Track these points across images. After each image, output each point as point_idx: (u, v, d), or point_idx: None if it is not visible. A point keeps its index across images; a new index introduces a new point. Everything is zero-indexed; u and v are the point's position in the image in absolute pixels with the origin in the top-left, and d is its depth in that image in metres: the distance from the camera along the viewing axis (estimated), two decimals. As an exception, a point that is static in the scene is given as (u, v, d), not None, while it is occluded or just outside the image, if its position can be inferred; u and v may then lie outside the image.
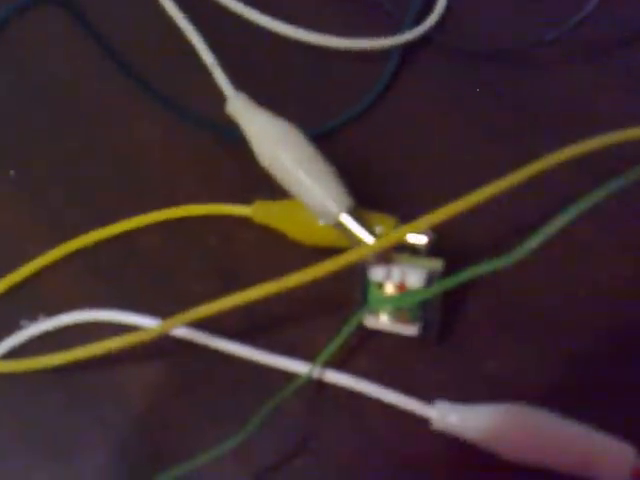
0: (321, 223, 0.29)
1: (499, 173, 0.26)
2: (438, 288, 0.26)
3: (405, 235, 0.27)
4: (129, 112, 0.35)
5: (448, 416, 0.26)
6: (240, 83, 0.32)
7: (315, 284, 0.27)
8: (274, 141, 0.29)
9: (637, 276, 0.30)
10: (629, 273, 0.30)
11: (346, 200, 0.28)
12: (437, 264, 0.27)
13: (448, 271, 0.27)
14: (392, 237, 0.27)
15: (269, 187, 0.30)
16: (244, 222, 0.31)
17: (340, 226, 0.28)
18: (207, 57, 0.32)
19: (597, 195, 0.22)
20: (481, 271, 0.24)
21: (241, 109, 0.30)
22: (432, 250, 0.28)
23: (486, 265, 0.24)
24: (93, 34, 0.32)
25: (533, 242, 0.23)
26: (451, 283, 0.25)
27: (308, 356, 0.28)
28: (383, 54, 0.35)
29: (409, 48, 0.36)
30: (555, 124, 0.33)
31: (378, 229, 0.28)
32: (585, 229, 0.30)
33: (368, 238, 0.27)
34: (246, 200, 0.31)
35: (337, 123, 0.34)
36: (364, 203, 0.29)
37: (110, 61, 0.33)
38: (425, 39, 0.36)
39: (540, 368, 0.28)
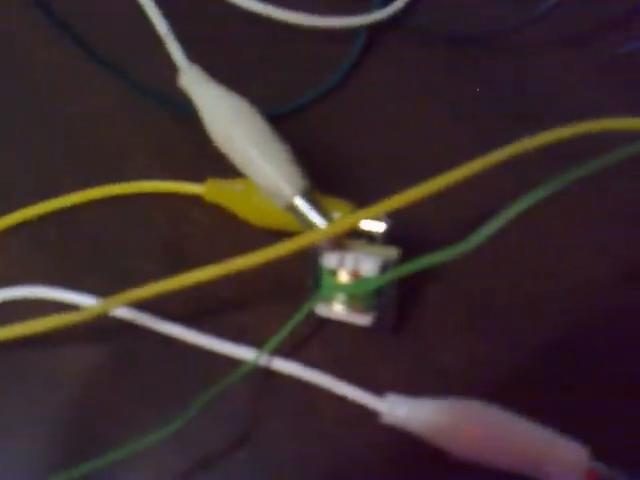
0: (275, 205, 0.28)
1: (466, 159, 0.25)
2: (390, 276, 0.25)
3: (359, 220, 0.26)
4: (78, 82, 0.34)
5: (397, 409, 0.25)
6: (197, 56, 0.30)
7: (268, 268, 0.26)
8: (226, 117, 0.27)
9: (597, 268, 0.29)
10: (589, 265, 0.29)
11: (300, 182, 0.26)
12: (393, 252, 0.26)
13: (406, 260, 0.26)
14: (345, 222, 0.26)
15: (223, 165, 0.28)
16: (195, 201, 0.30)
17: (293, 209, 0.26)
18: (161, 26, 0.30)
19: (554, 184, 0.21)
20: (435, 260, 0.23)
21: (193, 82, 0.29)
22: (390, 238, 0.27)
23: (440, 254, 0.23)
24: (41, 2, 0.31)
25: (487, 230, 0.22)
26: (404, 271, 0.24)
27: (257, 343, 0.27)
28: (350, 34, 0.34)
29: (377, 29, 0.35)
30: (527, 110, 0.33)
31: (335, 215, 0.27)
32: (547, 218, 0.30)
33: (321, 223, 0.26)
34: (199, 178, 0.30)
35: (299, 104, 0.33)
36: (324, 188, 0.28)
37: (59, 29, 0.31)
38: (395, 20, 0.35)
39: (496, 362, 0.27)
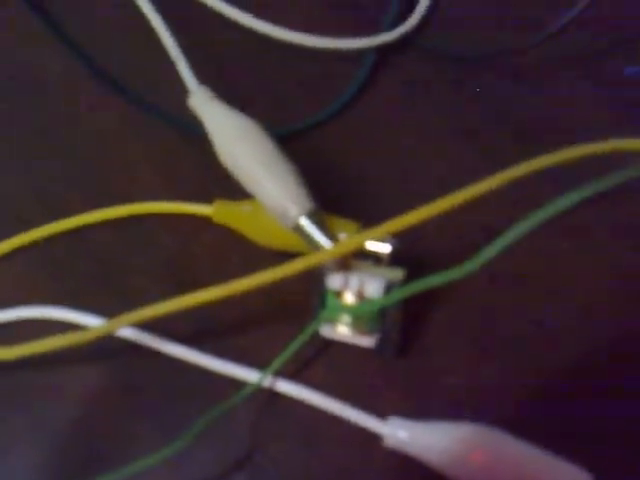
0: (282, 226, 0.28)
1: (473, 179, 0.25)
2: (394, 297, 0.24)
3: (364, 241, 0.26)
4: (87, 101, 0.34)
5: (399, 433, 0.25)
6: (206, 78, 0.31)
7: (273, 289, 0.26)
8: (234, 138, 0.28)
9: (603, 287, 0.29)
10: (601, 288, 0.29)
11: (306, 203, 0.26)
12: (398, 274, 0.26)
13: (410, 280, 0.26)
14: (351, 243, 0.25)
15: (231, 186, 0.28)
16: (203, 222, 0.30)
17: (299, 229, 0.26)
18: (172, 48, 0.30)
19: (557, 205, 0.21)
20: (439, 281, 0.23)
21: (203, 103, 0.29)
22: (395, 257, 0.27)
23: (444, 275, 0.23)
24: (51, 23, 0.31)
25: (491, 251, 0.22)
26: (407, 292, 0.24)
27: (260, 364, 0.27)
28: (359, 55, 0.34)
29: (386, 50, 0.35)
30: (533, 132, 0.32)
31: (341, 235, 0.27)
32: (553, 237, 0.29)
33: (327, 243, 0.26)
34: (207, 199, 0.30)
35: (307, 124, 0.33)
36: (331, 208, 0.28)
37: (68, 48, 0.32)
38: (404, 41, 0.35)
39: (501, 386, 0.27)
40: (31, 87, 0.35)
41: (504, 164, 0.25)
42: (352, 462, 0.26)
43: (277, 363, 0.26)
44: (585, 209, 0.29)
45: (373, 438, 0.25)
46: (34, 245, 0.30)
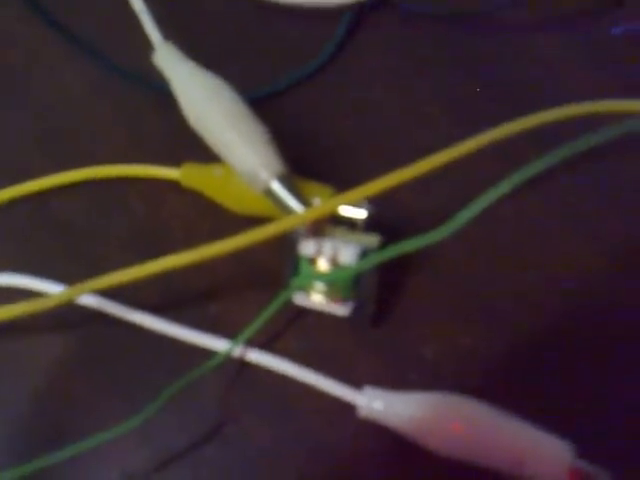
0: (253, 191, 0.26)
1: (451, 142, 0.24)
2: (368, 262, 0.24)
3: (338, 206, 0.25)
4: (49, 60, 0.32)
5: (375, 403, 0.24)
6: (175, 35, 0.29)
7: (244, 256, 0.25)
8: (201, 97, 0.26)
9: (586, 256, 0.28)
10: (577, 253, 0.28)
11: (277, 166, 0.25)
12: (373, 240, 0.25)
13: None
14: (324, 208, 0.24)
15: (202, 148, 0.27)
16: (172, 186, 0.29)
17: (270, 194, 0.25)
18: (136, 3, 0.29)
19: (529, 170, 0.20)
20: (414, 245, 0.22)
21: (168, 60, 0.28)
22: (372, 225, 0.26)
23: (419, 239, 0.22)
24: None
25: (463, 216, 0.21)
26: (382, 257, 0.23)
27: (232, 333, 0.26)
28: (335, 13, 0.33)
29: (364, 8, 0.33)
30: (512, 92, 0.31)
31: (315, 200, 0.26)
32: (535, 205, 0.29)
33: (299, 208, 0.25)
34: (175, 162, 0.29)
35: (282, 86, 0.32)
36: (305, 172, 0.27)
37: (33, 10, 0.30)
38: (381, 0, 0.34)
39: (480, 354, 0.26)
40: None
41: (486, 125, 0.25)
42: (325, 433, 0.25)
43: (248, 332, 0.25)
44: (569, 177, 0.28)
45: (347, 408, 0.25)
46: (-5, 209, 0.29)
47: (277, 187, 0.25)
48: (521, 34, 0.33)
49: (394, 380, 0.25)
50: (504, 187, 0.21)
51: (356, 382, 0.25)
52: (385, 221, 0.26)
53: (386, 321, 0.27)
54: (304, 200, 0.25)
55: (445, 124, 0.31)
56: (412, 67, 0.32)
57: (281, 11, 0.33)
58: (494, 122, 0.25)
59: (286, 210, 0.25)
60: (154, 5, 0.30)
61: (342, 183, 0.27)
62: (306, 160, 0.27)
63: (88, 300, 0.26)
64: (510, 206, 0.28)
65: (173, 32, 0.30)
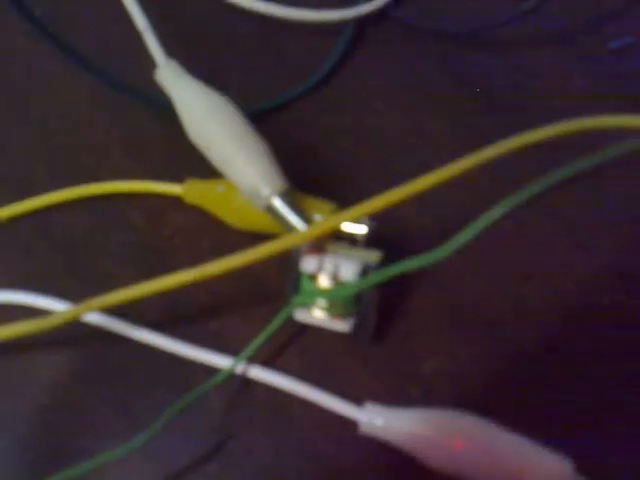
0: (254, 207, 0.27)
1: (452, 156, 0.24)
2: (370, 281, 0.24)
3: (339, 223, 0.25)
4: (51, 76, 0.33)
5: (376, 419, 0.24)
6: (176, 52, 0.29)
7: (245, 272, 0.25)
8: (203, 115, 0.26)
9: (588, 274, 0.28)
10: (580, 270, 0.28)
11: (279, 182, 0.25)
12: (373, 256, 0.25)
13: (387, 263, 0.25)
14: (326, 225, 0.24)
15: (204, 164, 0.27)
16: (174, 202, 0.29)
17: (271, 210, 0.25)
18: (139, 20, 0.29)
19: (534, 187, 0.20)
20: (415, 264, 0.22)
21: (170, 78, 0.28)
22: (372, 239, 0.26)
23: (419, 258, 0.22)
24: (16, 3, 0.30)
25: (467, 234, 0.21)
26: (383, 276, 0.23)
27: (233, 350, 0.26)
28: (336, 28, 0.33)
29: (364, 23, 0.34)
30: (512, 108, 0.31)
31: (316, 216, 0.26)
32: (535, 222, 0.29)
33: (301, 225, 0.25)
34: (178, 177, 0.29)
35: (282, 100, 0.32)
36: (305, 187, 0.27)
37: (35, 27, 0.30)
38: (382, 14, 0.34)
39: (479, 369, 0.26)
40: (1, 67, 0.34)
41: (486, 141, 0.25)
42: (327, 449, 0.25)
43: (250, 349, 0.25)
44: (565, 191, 0.28)
45: (348, 424, 0.25)
46: (-3, 225, 0.30)
47: (279, 204, 0.25)
48: (521, 49, 0.33)
49: (394, 396, 0.26)
50: (505, 205, 0.21)
51: (357, 398, 0.25)
52: (385, 236, 0.26)
53: (386, 337, 0.27)
54: (305, 217, 0.25)
55: (445, 139, 0.31)
56: (412, 82, 0.32)
57: (282, 26, 0.33)
58: (494, 137, 0.25)
59: (288, 227, 0.25)
60: (156, 21, 0.30)
61: (341, 198, 0.27)
62: (305, 175, 0.27)
63: (91, 317, 0.27)
64: (510, 220, 0.28)
65: (174, 47, 0.30)
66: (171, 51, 0.29)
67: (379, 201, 0.24)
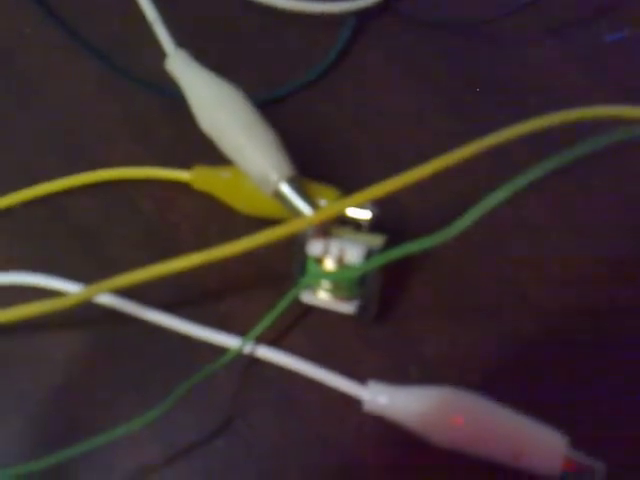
0: (262, 193, 0.27)
1: (453, 145, 0.25)
2: (374, 263, 0.24)
3: (344, 208, 0.25)
4: (63, 64, 0.33)
5: (379, 397, 0.25)
6: (185, 41, 0.30)
7: (253, 255, 0.26)
8: (213, 103, 0.27)
9: (583, 258, 0.29)
10: (576, 255, 0.29)
11: (286, 169, 0.26)
12: (378, 240, 0.26)
13: (391, 247, 0.26)
14: (332, 210, 0.25)
15: (212, 151, 0.28)
16: (182, 188, 0.30)
17: (279, 196, 0.26)
18: (149, 11, 0.30)
19: (533, 173, 0.21)
20: (418, 247, 0.23)
21: (180, 67, 0.29)
22: (376, 225, 0.27)
23: (423, 241, 0.23)
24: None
25: (469, 217, 0.22)
26: (387, 258, 0.24)
27: (241, 330, 0.27)
28: (339, 20, 0.34)
29: (366, 15, 0.34)
30: (511, 98, 0.32)
31: (321, 202, 0.27)
32: (535, 209, 0.29)
33: (307, 210, 0.26)
34: (186, 164, 0.30)
35: (288, 90, 0.33)
36: (311, 174, 0.28)
37: (44, 13, 0.31)
38: (383, 6, 0.34)
39: (480, 350, 0.27)
40: (5, 51, 0.34)
41: (486, 130, 0.25)
42: (332, 428, 0.26)
43: (258, 329, 0.26)
44: (565, 178, 0.29)
45: (353, 403, 0.25)
46: (9, 211, 0.30)
47: (286, 189, 0.26)
48: (520, 42, 0.34)
49: (396, 375, 0.26)
50: (505, 191, 0.22)
51: (360, 377, 0.26)
52: (388, 222, 0.27)
53: (389, 319, 0.28)
54: (311, 202, 0.26)
55: (445, 128, 0.32)
56: (414, 73, 0.33)
57: (285, 18, 0.34)
58: (494, 127, 0.25)
59: (295, 212, 0.26)
60: (165, 12, 0.31)
61: (344, 186, 0.28)
62: (309, 164, 0.27)
63: (103, 299, 0.27)
64: (510, 209, 0.29)
65: (182, 38, 0.30)
66: (179, 40, 0.30)
67: (383, 187, 0.25)
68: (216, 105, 0.27)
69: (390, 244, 0.26)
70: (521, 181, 0.22)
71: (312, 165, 0.28)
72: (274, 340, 0.27)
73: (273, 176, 0.26)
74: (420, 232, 0.28)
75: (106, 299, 0.27)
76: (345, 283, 0.26)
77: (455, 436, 0.24)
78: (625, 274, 0.29)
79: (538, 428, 0.24)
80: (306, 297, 0.27)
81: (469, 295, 0.28)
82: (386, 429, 0.25)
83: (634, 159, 0.30)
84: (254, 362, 0.27)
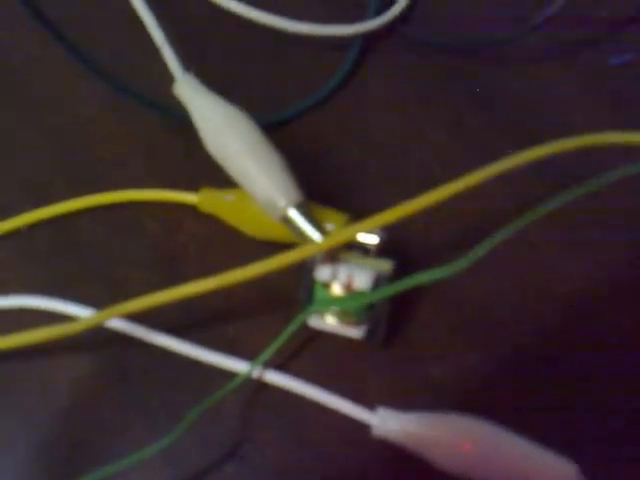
0: (269, 217, 0.27)
1: (460, 170, 0.25)
2: (384, 292, 0.25)
3: (354, 234, 0.26)
4: (69, 86, 0.33)
5: (388, 423, 0.25)
6: (193, 65, 0.30)
7: (261, 280, 0.26)
8: (220, 127, 0.27)
9: (588, 280, 0.29)
10: (581, 277, 0.29)
11: (294, 194, 0.26)
12: (386, 266, 0.26)
13: (399, 272, 0.26)
14: (340, 236, 0.25)
15: (218, 174, 0.28)
16: (189, 210, 0.30)
17: (287, 221, 0.26)
18: (157, 35, 0.30)
19: (546, 208, 0.22)
20: (425, 279, 0.23)
21: (188, 91, 0.29)
22: (383, 248, 0.27)
23: (435, 272, 0.23)
24: (32, 7, 0.30)
25: (483, 249, 0.22)
26: (398, 288, 0.24)
27: (249, 355, 0.27)
28: (345, 42, 0.34)
29: (372, 37, 0.35)
30: (520, 123, 0.32)
31: (329, 226, 0.27)
32: (536, 232, 0.29)
33: (315, 236, 0.26)
34: (193, 187, 0.30)
35: (294, 112, 0.33)
36: (318, 197, 0.28)
37: (52, 36, 0.31)
38: (390, 29, 0.35)
39: (487, 374, 0.27)
40: (14, 73, 0.34)
41: (489, 154, 0.26)
42: (341, 452, 0.26)
43: (267, 354, 0.26)
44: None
45: (361, 428, 0.26)
46: (15, 233, 0.30)
47: (294, 215, 0.26)
48: (523, 65, 0.34)
49: (404, 399, 0.27)
50: (518, 224, 0.22)
51: (369, 401, 0.26)
52: (394, 243, 0.27)
53: (396, 342, 0.28)
54: (320, 227, 0.26)
55: (450, 150, 0.32)
56: (420, 96, 0.33)
57: (293, 41, 0.34)
58: (497, 148, 0.26)
59: (303, 237, 0.26)
60: (172, 34, 0.31)
61: (351, 208, 0.28)
62: (316, 185, 0.27)
63: (111, 322, 0.27)
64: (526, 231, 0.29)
65: (189, 59, 0.30)
66: (186, 64, 0.30)
67: (393, 213, 0.25)
68: (223, 129, 0.27)
69: (397, 268, 0.26)
70: (534, 214, 0.22)
71: (320, 188, 0.28)
72: (282, 364, 0.27)
73: (281, 202, 0.26)
74: (426, 256, 0.28)
75: (114, 323, 0.27)
76: (353, 309, 0.26)
77: (462, 462, 0.24)
78: (627, 291, 0.29)
79: (547, 456, 0.24)
80: (314, 322, 0.27)
81: (474, 317, 0.28)
82: (394, 454, 0.25)
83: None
84: (262, 386, 0.27)
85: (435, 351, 0.28)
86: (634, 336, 0.28)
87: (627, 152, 0.27)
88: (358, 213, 0.27)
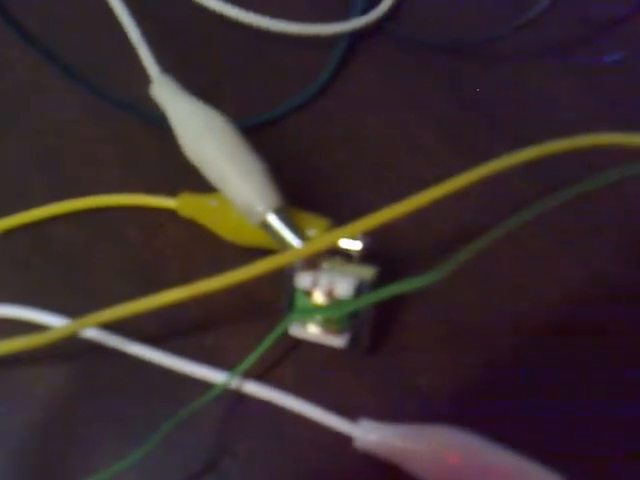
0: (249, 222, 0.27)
1: (447, 170, 0.25)
2: (366, 300, 0.24)
3: (335, 240, 0.25)
4: (46, 91, 0.33)
5: (370, 435, 0.24)
6: (172, 64, 0.30)
7: (240, 287, 0.25)
8: (198, 130, 0.27)
9: (577, 284, 0.28)
10: (569, 280, 0.28)
11: (273, 199, 0.25)
12: (369, 272, 0.25)
13: (384, 279, 0.25)
14: (320, 242, 0.25)
15: (199, 177, 0.27)
16: (168, 215, 0.29)
17: (266, 227, 0.26)
18: (133, 35, 0.29)
19: (529, 212, 0.21)
20: (408, 287, 0.22)
21: (166, 93, 0.28)
22: (368, 255, 0.26)
23: (413, 281, 0.22)
24: (6, 12, 0.29)
25: (463, 256, 0.21)
26: (380, 296, 0.23)
27: (228, 365, 0.26)
28: (330, 41, 0.33)
29: (358, 36, 0.34)
30: (507, 124, 0.32)
31: (311, 232, 0.26)
32: (526, 233, 0.29)
33: (295, 242, 0.25)
34: (173, 191, 0.29)
35: (277, 113, 0.32)
36: (300, 200, 0.27)
37: (27, 41, 0.30)
38: (375, 28, 0.34)
39: (473, 383, 0.27)
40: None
41: (478, 155, 0.25)
42: (322, 464, 0.25)
43: (246, 363, 0.25)
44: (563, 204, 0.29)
45: (343, 439, 0.25)
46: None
47: (273, 220, 0.25)
48: (515, 63, 0.33)
49: (390, 409, 0.26)
50: (502, 229, 0.21)
51: (352, 411, 0.25)
52: (378, 249, 0.26)
53: (381, 350, 0.27)
54: (300, 233, 0.25)
55: (438, 152, 0.31)
56: (406, 95, 0.33)
57: (277, 40, 0.33)
58: (488, 148, 0.25)
59: (282, 243, 0.25)
60: (151, 35, 0.30)
61: (335, 210, 0.27)
62: (299, 187, 0.27)
63: (86, 332, 0.27)
64: (505, 236, 0.28)
65: (169, 61, 0.30)
66: (165, 64, 0.29)
67: (375, 218, 0.24)
68: (201, 132, 0.27)
69: (380, 273, 0.25)
70: (516, 219, 0.21)
71: (302, 193, 0.27)
72: (262, 374, 0.26)
73: (259, 207, 0.25)
74: (410, 261, 0.28)
75: (89, 332, 0.27)
76: (335, 317, 0.25)
77: (447, 475, 0.23)
78: (623, 294, 0.28)
79: (534, 468, 0.23)
80: (295, 330, 0.26)
81: (465, 325, 0.28)
82: (378, 466, 0.24)
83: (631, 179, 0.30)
84: (241, 397, 0.26)
85: (423, 360, 0.27)
86: (627, 339, 0.27)
87: (611, 153, 0.26)
88: (342, 215, 0.26)
